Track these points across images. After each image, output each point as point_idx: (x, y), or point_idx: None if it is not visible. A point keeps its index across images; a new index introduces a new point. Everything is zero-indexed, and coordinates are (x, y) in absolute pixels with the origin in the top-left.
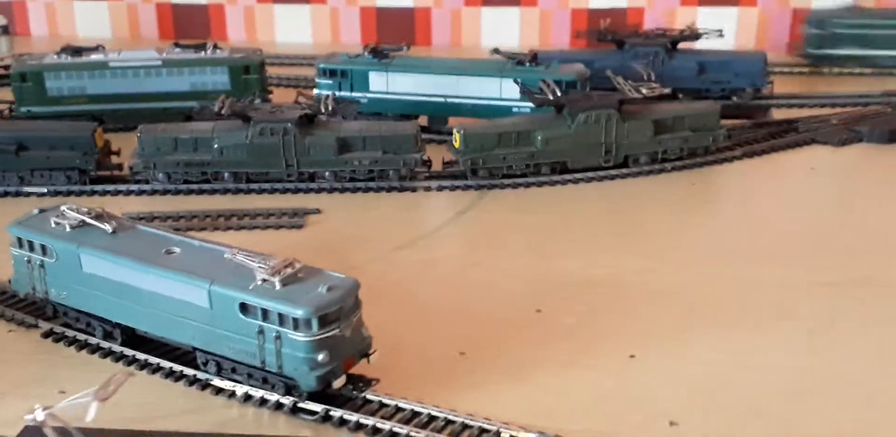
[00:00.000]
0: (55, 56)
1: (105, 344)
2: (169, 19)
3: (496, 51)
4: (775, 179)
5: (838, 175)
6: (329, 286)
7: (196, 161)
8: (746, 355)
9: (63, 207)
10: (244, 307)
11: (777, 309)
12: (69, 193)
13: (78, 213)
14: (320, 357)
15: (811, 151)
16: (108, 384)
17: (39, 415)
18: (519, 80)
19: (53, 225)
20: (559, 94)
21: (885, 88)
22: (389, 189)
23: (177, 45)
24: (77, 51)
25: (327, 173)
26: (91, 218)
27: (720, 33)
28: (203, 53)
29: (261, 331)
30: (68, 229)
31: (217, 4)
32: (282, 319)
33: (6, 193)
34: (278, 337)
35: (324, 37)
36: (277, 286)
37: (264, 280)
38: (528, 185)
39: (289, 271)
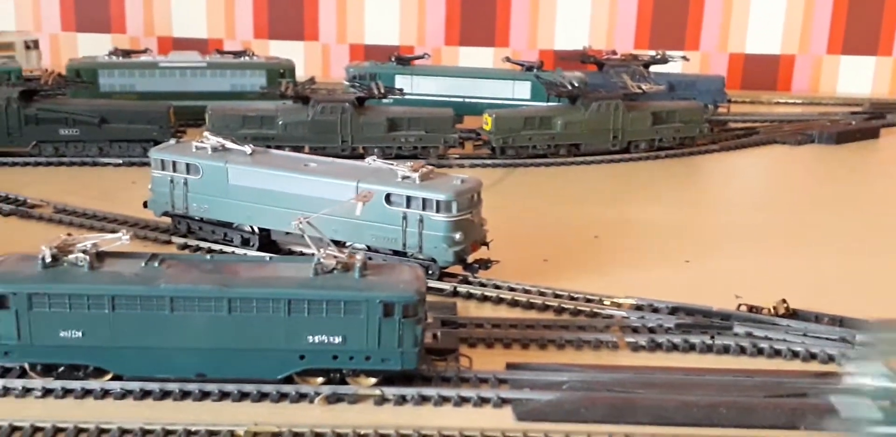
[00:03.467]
0: (106, 57)
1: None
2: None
3: (507, 59)
4: (746, 167)
5: (795, 166)
6: (462, 179)
7: (261, 136)
8: (758, 260)
9: (205, 133)
10: (389, 198)
11: (750, 234)
12: (142, 165)
13: (217, 139)
14: (457, 236)
15: (773, 149)
16: (362, 194)
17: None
18: (539, 76)
19: (195, 149)
20: (575, 86)
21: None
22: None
23: (218, 51)
24: (126, 52)
25: (376, 149)
26: (229, 142)
27: (685, 58)
28: (243, 58)
29: (404, 217)
30: (210, 151)
31: None
32: (425, 204)
33: (84, 163)
34: (421, 221)
35: None
36: (417, 181)
37: (405, 177)
38: (548, 164)
39: (424, 170)
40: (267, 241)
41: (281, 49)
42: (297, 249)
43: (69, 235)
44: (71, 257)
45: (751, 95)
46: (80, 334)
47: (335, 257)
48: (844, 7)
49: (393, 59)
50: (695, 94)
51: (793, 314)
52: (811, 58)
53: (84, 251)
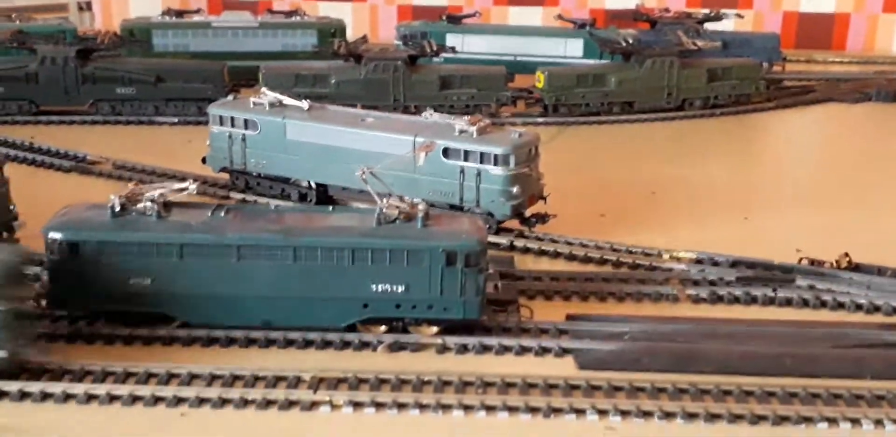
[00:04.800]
0: (160, 17)
1: None
2: None
3: (559, 17)
4: (802, 125)
5: (852, 124)
6: (519, 133)
7: (314, 94)
8: (817, 216)
9: (262, 88)
10: (446, 152)
11: (808, 191)
12: (198, 123)
13: (274, 95)
14: (514, 190)
15: (829, 107)
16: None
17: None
18: (592, 33)
19: (252, 105)
20: (629, 43)
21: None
22: None
23: (269, 11)
24: (179, 13)
25: (429, 107)
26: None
27: (739, 15)
28: (294, 18)
29: (462, 171)
30: (268, 107)
31: None
32: (483, 157)
33: (140, 122)
34: (478, 174)
35: None
36: (475, 135)
37: (462, 131)
38: (601, 122)
39: (482, 124)
40: (324, 196)
41: (330, 9)
42: (355, 204)
43: (136, 184)
44: (139, 205)
45: (805, 53)
46: (148, 281)
47: (397, 207)
48: None
49: (444, 18)
50: (749, 52)
51: (855, 268)
52: (866, 16)
53: (152, 200)
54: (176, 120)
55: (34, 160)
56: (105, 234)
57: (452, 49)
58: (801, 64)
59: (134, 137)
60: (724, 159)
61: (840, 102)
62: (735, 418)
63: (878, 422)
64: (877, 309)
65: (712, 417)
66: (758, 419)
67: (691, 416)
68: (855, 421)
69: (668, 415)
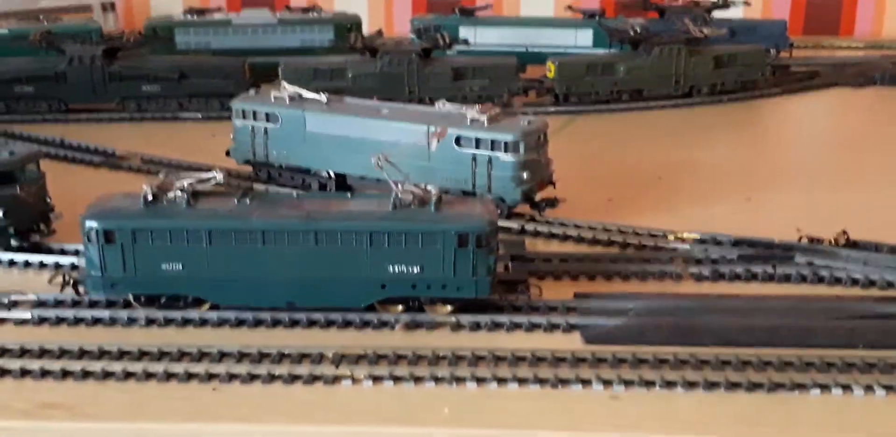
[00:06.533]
0: (182, 16)
1: None
2: None
3: (569, 7)
4: (807, 110)
5: (856, 107)
6: (529, 121)
7: (332, 88)
8: (819, 196)
9: (283, 83)
10: (458, 141)
11: (811, 173)
12: (220, 119)
13: (294, 89)
14: (525, 175)
15: (834, 91)
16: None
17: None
18: (601, 22)
19: (273, 99)
20: (637, 32)
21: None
22: None
23: (287, 7)
24: (200, 11)
25: (442, 98)
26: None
27: (746, 2)
28: (312, 14)
29: (474, 158)
30: (288, 101)
31: None
32: (493, 145)
33: (165, 118)
34: (489, 161)
35: None
36: (486, 123)
37: (474, 120)
38: (611, 110)
39: (493, 113)
40: (343, 186)
41: (345, 4)
42: (372, 192)
43: (166, 175)
44: (170, 194)
45: (813, 40)
46: (180, 266)
47: (412, 192)
48: None
49: (456, 10)
50: (756, 38)
51: (853, 245)
52: (874, 1)
53: (182, 189)
54: (199, 115)
55: (65, 156)
56: (139, 222)
57: (465, 41)
58: (808, 50)
59: (160, 132)
60: (729, 144)
61: (844, 87)
62: (732, 385)
63: (869, 388)
64: (872, 284)
65: (711, 385)
66: (754, 387)
67: (691, 385)
68: (846, 387)
69: (669, 384)
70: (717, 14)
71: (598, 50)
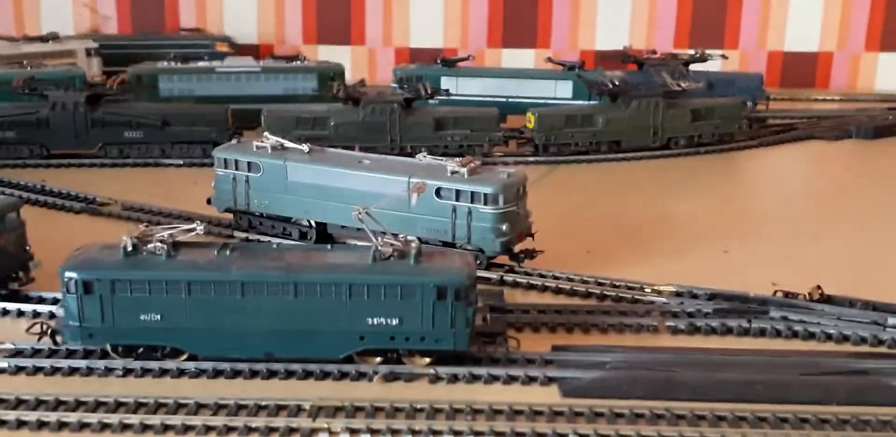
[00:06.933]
0: (166, 63)
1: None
2: None
3: (549, 59)
4: (784, 162)
5: (832, 160)
6: (508, 173)
7: (314, 136)
8: (795, 250)
9: (265, 133)
10: (439, 192)
11: (788, 226)
12: (202, 165)
13: (276, 139)
14: (504, 227)
15: (811, 145)
16: (417, 186)
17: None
18: (580, 75)
19: (255, 149)
20: (616, 85)
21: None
22: None
23: (272, 56)
24: (185, 58)
25: (423, 148)
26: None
27: (724, 56)
28: (295, 63)
29: (454, 209)
30: (270, 150)
31: None
32: (473, 197)
33: (147, 164)
34: (469, 213)
35: None
36: (466, 175)
37: (454, 172)
38: (590, 161)
39: (472, 165)
40: (323, 235)
41: (329, 53)
42: (352, 242)
43: (146, 226)
44: (150, 246)
45: (790, 92)
46: (158, 317)
47: (392, 244)
48: (882, 4)
49: (438, 61)
50: (734, 91)
51: (827, 300)
52: (849, 55)
53: (161, 241)
54: (181, 162)
55: (45, 202)
56: (118, 273)
57: (447, 91)
58: (785, 102)
59: (141, 179)
60: (706, 196)
61: (820, 140)
62: None
63: None
64: (846, 339)
65: None
66: None
67: None
68: None
69: None
70: (695, 67)
71: (578, 101)
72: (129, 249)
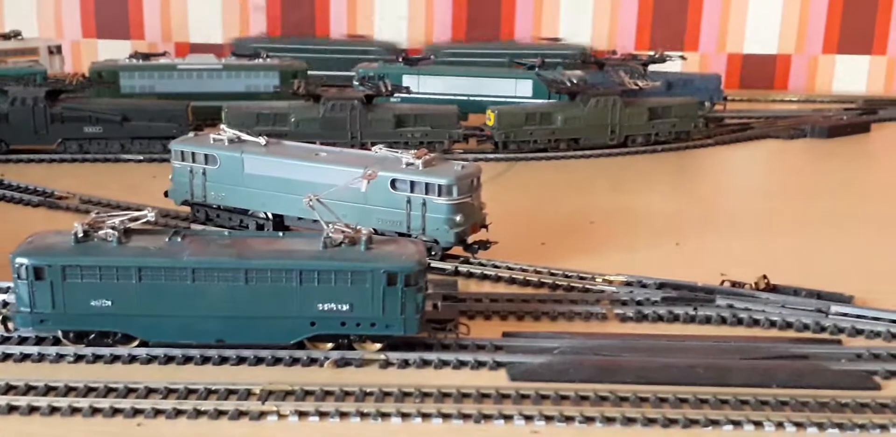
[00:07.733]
0: (127, 60)
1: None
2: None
3: (511, 59)
4: (739, 160)
5: (787, 158)
6: (462, 165)
7: (275, 132)
8: (745, 242)
9: (222, 126)
10: (393, 184)
11: (739, 220)
12: (162, 161)
13: (233, 132)
14: (458, 218)
15: (766, 143)
16: (368, 173)
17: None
18: (540, 73)
19: (212, 141)
20: (574, 83)
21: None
22: None
23: (234, 54)
24: (146, 55)
25: (384, 144)
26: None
27: (683, 57)
28: (258, 60)
29: (408, 201)
30: (227, 143)
31: None
32: (427, 188)
33: (107, 160)
34: (424, 204)
35: None
36: (420, 167)
37: (409, 164)
38: (548, 158)
39: (427, 157)
40: (280, 227)
41: None
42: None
43: (98, 213)
44: (101, 232)
45: (748, 93)
46: (109, 303)
47: (342, 231)
48: (839, 8)
49: (401, 60)
50: (692, 91)
51: (773, 289)
52: (807, 57)
53: (113, 227)
54: (141, 157)
55: (3, 196)
56: (68, 259)
57: (407, 89)
58: (744, 103)
59: (101, 173)
60: (662, 192)
61: (776, 139)
62: (649, 421)
63: (780, 424)
64: (789, 326)
65: (628, 420)
66: (669, 422)
67: (609, 420)
68: (758, 424)
69: (588, 419)
70: (656, 67)
71: (537, 100)
72: (80, 235)
